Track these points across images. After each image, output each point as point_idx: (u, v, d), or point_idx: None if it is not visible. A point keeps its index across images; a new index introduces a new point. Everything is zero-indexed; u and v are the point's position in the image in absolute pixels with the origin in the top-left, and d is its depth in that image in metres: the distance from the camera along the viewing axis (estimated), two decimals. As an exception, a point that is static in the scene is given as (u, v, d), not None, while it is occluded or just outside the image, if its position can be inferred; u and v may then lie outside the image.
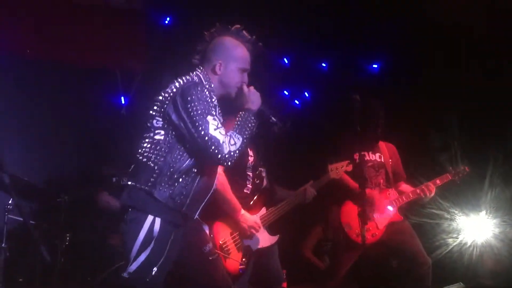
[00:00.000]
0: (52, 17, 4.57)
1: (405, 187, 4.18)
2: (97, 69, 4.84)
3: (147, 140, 2.45)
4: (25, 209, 3.56)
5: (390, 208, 4.00)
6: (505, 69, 4.94)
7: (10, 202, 3.48)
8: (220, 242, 3.25)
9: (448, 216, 4.78)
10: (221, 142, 2.37)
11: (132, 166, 2.47)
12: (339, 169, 3.79)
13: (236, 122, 2.49)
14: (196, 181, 2.45)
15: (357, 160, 3.88)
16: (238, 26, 2.59)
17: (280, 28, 5.16)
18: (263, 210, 3.54)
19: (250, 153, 3.48)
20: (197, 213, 2.56)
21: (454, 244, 4.80)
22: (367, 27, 5.24)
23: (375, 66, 5.66)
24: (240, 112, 2.51)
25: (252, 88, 2.56)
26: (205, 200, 2.56)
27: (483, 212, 4.79)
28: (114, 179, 4.05)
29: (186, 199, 2.42)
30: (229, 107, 2.60)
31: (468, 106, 4.99)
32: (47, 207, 3.85)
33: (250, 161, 3.47)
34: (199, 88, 2.41)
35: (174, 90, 2.44)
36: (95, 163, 4.27)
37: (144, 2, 5.11)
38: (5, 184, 2.98)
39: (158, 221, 2.37)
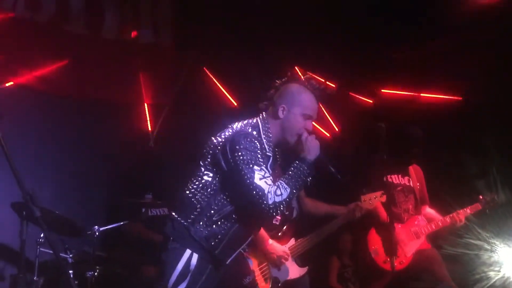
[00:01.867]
0: (81, 54, 4.73)
1: (429, 212, 4.10)
2: (125, 103, 4.96)
3: (196, 178, 2.49)
4: (56, 242, 3.60)
5: (418, 236, 3.94)
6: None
7: (41, 235, 3.53)
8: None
9: (489, 247, 4.57)
10: (265, 192, 2.34)
11: (179, 200, 2.52)
12: (372, 200, 3.72)
13: (288, 172, 2.44)
14: (233, 228, 2.45)
15: (386, 183, 3.86)
16: (309, 75, 2.60)
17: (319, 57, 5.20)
18: (292, 241, 3.48)
19: None
20: (230, 260, 2.54)
21: (496, 278, 4.55)
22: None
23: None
24: (295, 162, 2.46)
25: (311, 136, 2.50)
26: (239, 249, 2.55)
27: (528, 244, 4.55)
28: (143, 210, 4.08)
29: (220, 243, 2.43)
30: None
31: (509, 128, 4.84)
32: (78, 240, 3.89)
33: None
34: (248, 138, 2.42)
35: (227, 135, 2.49)
36: (124, 195, 4.32)
37: (172, 37, 5.24)
38: (36, 218, 3.02)
39: (195, 256, 2.40)
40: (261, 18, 5.01)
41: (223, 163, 2.43)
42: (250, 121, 2.56)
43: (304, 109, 2.53)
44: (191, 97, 5.13)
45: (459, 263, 4.40)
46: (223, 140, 2.47)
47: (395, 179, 4.04)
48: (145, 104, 5.10)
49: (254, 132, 2.48)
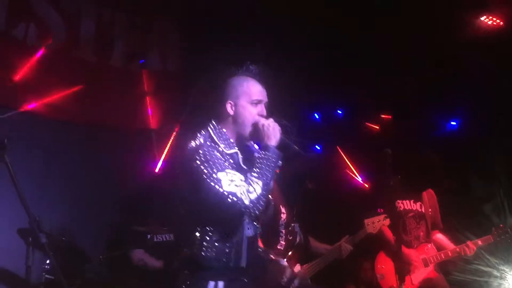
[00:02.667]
0: (89, 81, 4.78)
1: (440, 238, 4.06)
2: (132, 129, 5.01)
3: (193, 205, 2.47)
4: (61, 268, 3.59)
5: (427, 264, 3.88)
6: None
7: (47, 262, 3.53)
8: None
9: (498, 274, 4.49)
10: (238, 195, 2.31)
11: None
12: (376, 223, 3.73)
13: (255, 164, 2.38)
14: (235, 237, 2.43)
15: (399, 209, 3.84)
16: (246, 63, 2.54)
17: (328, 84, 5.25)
18: (297, 267, 3.45)
19: (283, 210, 3.45)
20: (244, 262, 2.46)
21: (506, 305, 4.46)
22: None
23: (453, 123, 5.56)
24: (259, 152, 2.42)
25: (268, 121, 2.43)
26: (246, 249, 2.47)
27: (538, 271, 4.46)
28: (148, 236, 4.08)
29: (230, 255, 2.41)
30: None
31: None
32: (83, 266, 3.88)
33: (282, 218, 3.44)
34: (200, 151, 2.37)
35: (181, 160, 2.45)
36: (130, 222, 4.31)
37: (178, 63, 5.32)
38: (42, 244, 3.03)
39: (220, 283, 2.39)
40: (269, 44, 5.09)
41: (191, 185, 2.39)
42: (199, 134, 2.48)
43: (250, 96, 2.48)
44: (198, 123, 5.16)
45: (468, 290, 4.33)
46: (181, 165, 2.43)
47: (407, 204, 4.01)
48: (152, 131, 5.16)
49: (207, 142, 2.41)
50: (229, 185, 2.32)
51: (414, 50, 5.12)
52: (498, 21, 5.00)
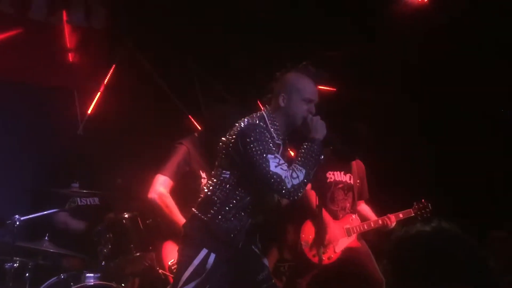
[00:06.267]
0: (6, 34, 4.48)
1: (364, 209, 4.23)
2: (53, 88, 4.75)
3: (215, 177, 2.63)
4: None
5: (350, 234, 4.05)
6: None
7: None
8: (169, 263, 3.30)
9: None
10: (283, 177, 2.47)
11: (200, 198, 2.66)
12: None
13: (299, 154, 2.56)
14: (250, 219, 2.60)
15: (329, 180, 3.94)
16: (306, 63, 2.70)
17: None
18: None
19: (203, 175, 3.45)
20: (241, 243, 2.62)
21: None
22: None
23: None
24: (304, 143, 2.59)
25: (316, 117, 2.63)
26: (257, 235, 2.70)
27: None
28: (70, 199, 3.95)
29: (239, 235, 2.56)
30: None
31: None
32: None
33: (202, 184, 3.42)
34: (257, 129, 2.54)
35: (236, 132, 2.59)
36: (49, 184, 4.14)
37: (104, 20, 5.09)
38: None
39: (212, 256, 2.52)
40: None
41: (237, 158, 2.55)
42: (256, 114, 2.67)
43: (303, 94, 2.64)
44: (123, 84, 5.02)
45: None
46: (233, 137, 2.59)
47: (337, 176, 4.09)
48: (74, 89, 4.92)
49: (261, 123, 2.60)
50: (275, 167, 2.47)
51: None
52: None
